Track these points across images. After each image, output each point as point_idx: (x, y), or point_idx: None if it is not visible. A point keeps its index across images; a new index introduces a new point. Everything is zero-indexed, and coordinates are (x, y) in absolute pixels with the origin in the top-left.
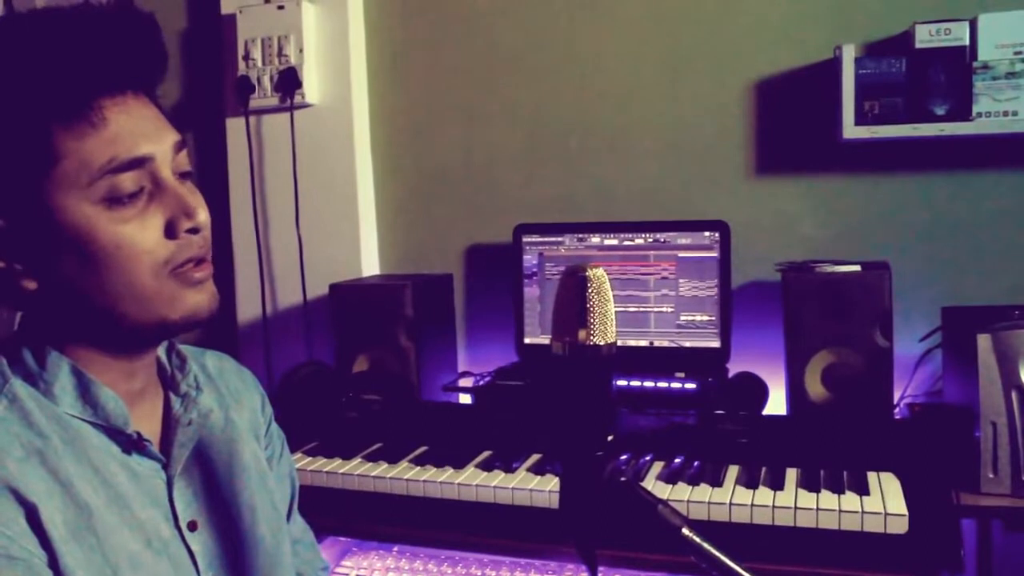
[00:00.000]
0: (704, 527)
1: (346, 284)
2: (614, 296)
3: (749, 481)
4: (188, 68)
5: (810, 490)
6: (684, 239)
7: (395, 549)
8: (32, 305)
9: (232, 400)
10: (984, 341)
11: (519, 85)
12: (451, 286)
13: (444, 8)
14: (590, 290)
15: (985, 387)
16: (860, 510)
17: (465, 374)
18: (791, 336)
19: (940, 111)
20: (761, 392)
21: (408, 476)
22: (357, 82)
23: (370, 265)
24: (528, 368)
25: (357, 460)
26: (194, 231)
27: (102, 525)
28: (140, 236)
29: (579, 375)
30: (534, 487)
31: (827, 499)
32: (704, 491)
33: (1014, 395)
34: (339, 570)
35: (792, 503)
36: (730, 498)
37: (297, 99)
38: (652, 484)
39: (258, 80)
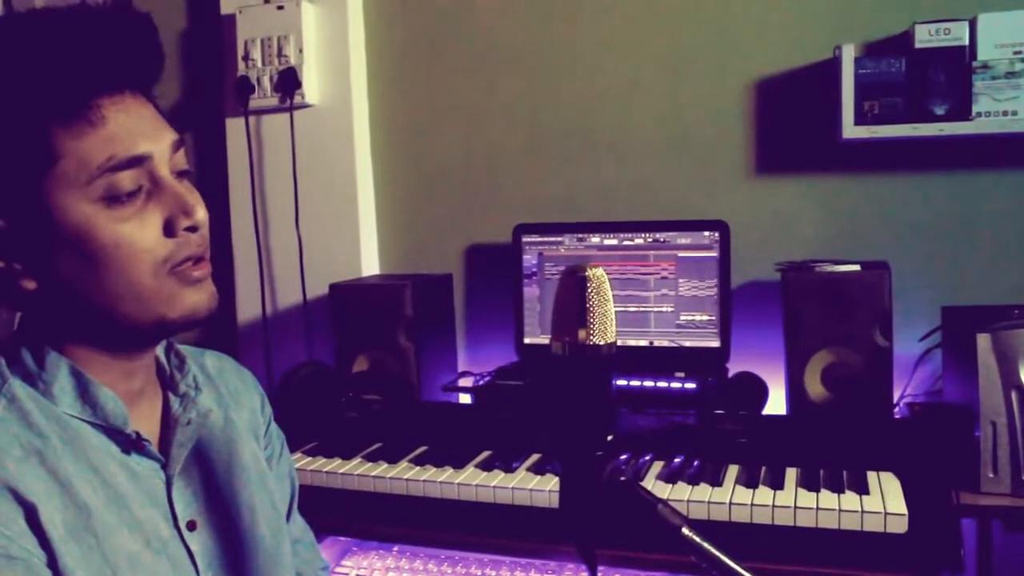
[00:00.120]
0: (704, 527)
1: (346, 284)
2: (614, 296)
3: (749, 481)
4: (188, 68)
5: (810, 490)
6: (684, 239)
7: (395, 549)
8: (31, 305)
9: (231, 400)
10: (984, 341)
11: (519, 85)
12: (451, 286)
13: (444, 8)
14: (590, 290)
15: (985, 387)
16: (860, 510)
17: (465, 374)
18: (791, 336)
19: (940, 111)
20: (761, 392)
21: (408, 476)
22: (357, 82)
23: (370, 265)
24: (528, 368)
25: (357, 460)
26: (192, 229)
27: (101, 525)
28: (139, 234)
29: (579, 375)
30: (534, 487)
31: (827, 499)
32: (704, 491)
33: (1014, 395)
34: (339, 570)
35: (792, 503)
36: (730, 498)
37: (297, 99)
38: (652, 484)
39: (258, 80)
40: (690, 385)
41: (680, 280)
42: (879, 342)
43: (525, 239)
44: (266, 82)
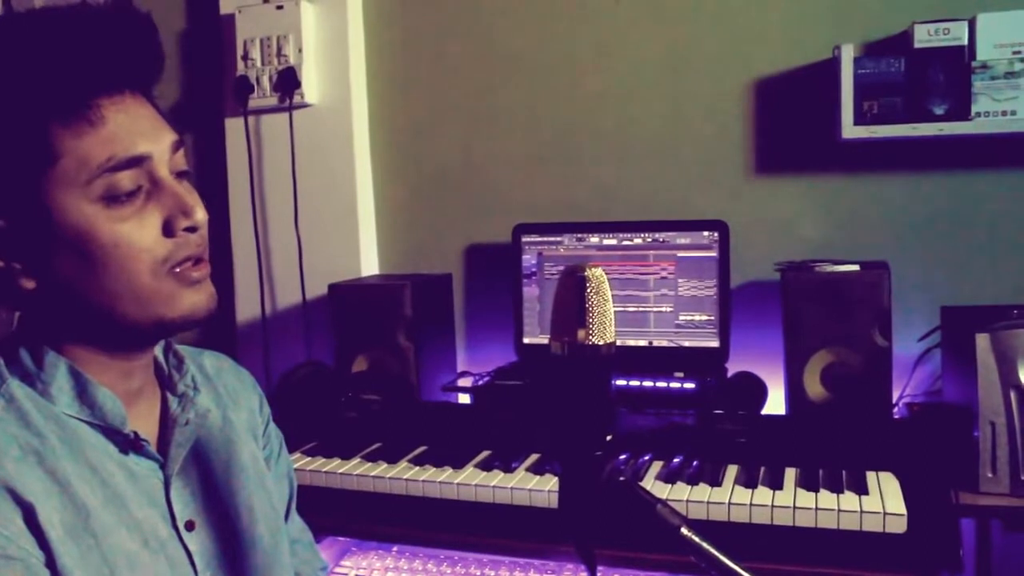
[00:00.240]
0: (703, 526)
1: (345, 284)
2: (613, 296)
3: (748, 481)
4: (187, 68)
5: (809, 490)
6: (683, 239)
7: (394, 549)
8: (30, 304)
9: (230, 400)
10: (983, 341)
11: (519, 85)
12: (450, 286)
13: (444, 8)
14: (589, 290)
15: (984, 387)
16: (859, 510)
17: (464, 374)
18: (790, 336)
19: (939, 111)
20: (760, 392)
21: (407, 476)
22: (356, 82)
23: (369, 265)
24: (527, 368)
25: (356, 460)
26: (192, 230)
27: (99, 525)
28: (138, 234)
29: (578, 375)
30: (533, 487)
31: (826, 499)
32: (703, 491)
33: (1013, 395)
34: (338, 570)
35: (791, 503)
36: (729, 498)
37: (296, 99)
38: (651, 484)
39: (257, 80)
40: (689, 385)
41: (679, 280)
42: (878, 342)
43: (525, 239)
44: (265, 82)
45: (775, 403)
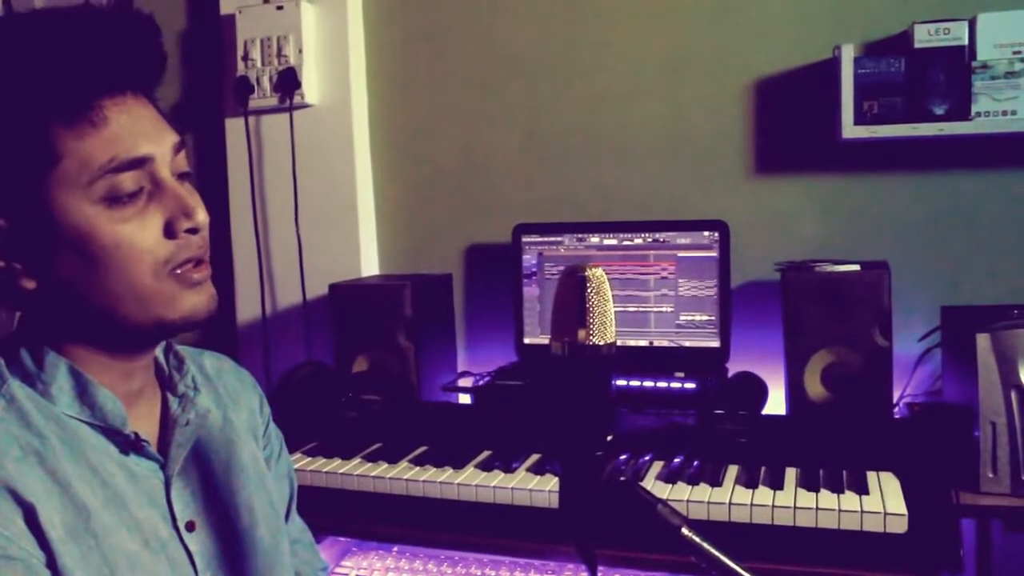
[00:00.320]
0: (703, 527)
1: (345, 284)
2: (613, 296)
3: (748, 481)
4: (187, 68)
5: (809, 490)
6: (683, 239)
7: (395, 549)
8: (31, 305)
9: (230, 400)
10: (983, 341)
11: (519, 85)
12: (450, 286)
13: (444, 8)
14: (589, 290)
15: (984, 387)
16: (859, 509)
17: (464, 374)
18: (790, 336)
19: (939, 111)
20: (760, 392)
21: (408, 476)
22: (356, 82)
23: (369, 265)
24: (528, 368)
25: (357, 460)
26: (193, 231)
27: (100, 525)
28: (139, 236)
29: (578, 375)
30: (534, 487)
31: (826, 499)
32: (703, 491)
33: (1013, 395)
34: (339, 570)
35: (791, 503)
36: (729, 498)
37: (296, 99)
38: (651, 484)
39: (257, 80)
40: (690, 385)
41: (680, 280)
42: (879, 342)
43: (525, 239)
44: (265, 82)
45: (775, 403)
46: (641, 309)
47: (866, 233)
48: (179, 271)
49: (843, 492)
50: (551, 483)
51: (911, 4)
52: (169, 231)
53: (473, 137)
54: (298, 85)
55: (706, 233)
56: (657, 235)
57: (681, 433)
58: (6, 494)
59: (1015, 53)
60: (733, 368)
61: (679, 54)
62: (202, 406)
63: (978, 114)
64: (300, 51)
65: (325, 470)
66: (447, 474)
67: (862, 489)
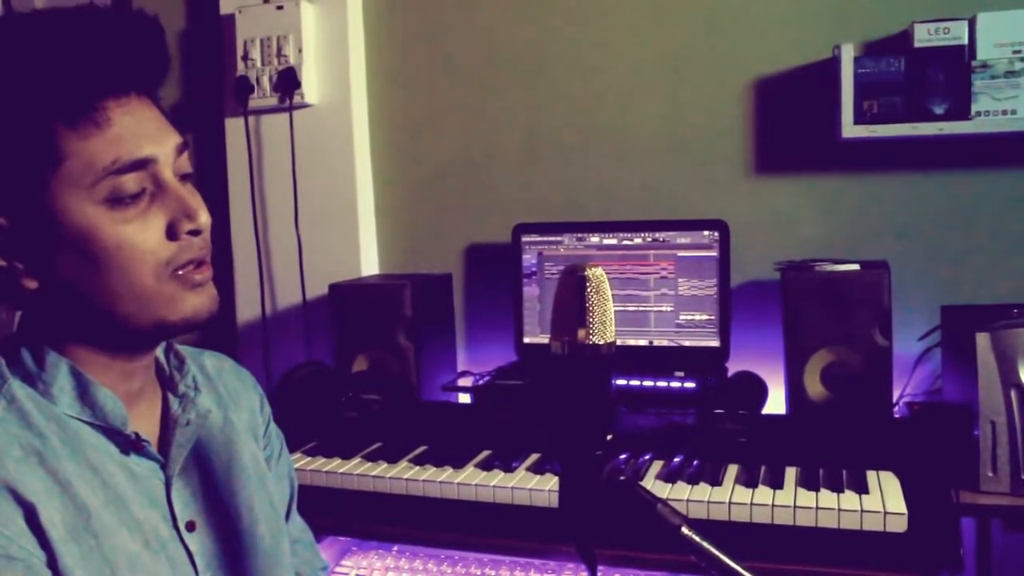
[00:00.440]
0: (703, 526)
1: (345, 284)
2: (613, 295)
3: (748, 480)
4: (187, 68)
5: (809, 489)
6: (683, 238)
7: (395, 549)
8: (32, 305)
9: (231, 400)
10: (983, 340)
11: (519, 85)
12: (450, 286)
13: (444, 7)
14: (589, 289)
15: (984, 386)
16: (859, 509)
17: (464, 374)
18: (790, 335)
19: (939, 110)
20: (760, 391)
21: (408, 476)
22: (356, 82)
23: (369, 265)
24: (527, 368)
25: (356, 460)
26: (195, 233)
27: (101, 525)
28: (141, 237)
29: (578, 374)
30: (533, 487)
31: (826, 498)
32: (703, 490)
33: (1013, 394)
34: (339, 570)
35: (791, 502)
36: (729, 497)
37: (296, 99)
38: (651, 483)
39: (257, 80)
40: (690, 384)
41: (680, 280)
42: (878, 341)
43: (525, 239)
44: (265, 82)
45: (775, 403)
46: (641, 309)
47: (866, 233)
48: (181, 272)
49: (843, 491)
50: (551, 483)
51: (911, 3)
52: (171, 232)
53: (473, 137)
54: (298, 85)
55: (706, 233)
56: (657, 235)
57: (681, 432)
58: (7, 494)
59: (1015, 52)
60: (733, 368)
61: (679, 54)
62: (203, 406)
63: (978, 113)
64: (300, 51)
65: (325, 470)
66: (447, 474)
67: (862, 488)
